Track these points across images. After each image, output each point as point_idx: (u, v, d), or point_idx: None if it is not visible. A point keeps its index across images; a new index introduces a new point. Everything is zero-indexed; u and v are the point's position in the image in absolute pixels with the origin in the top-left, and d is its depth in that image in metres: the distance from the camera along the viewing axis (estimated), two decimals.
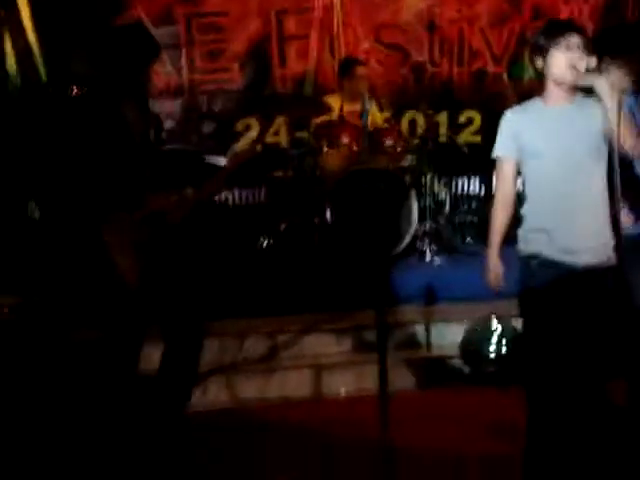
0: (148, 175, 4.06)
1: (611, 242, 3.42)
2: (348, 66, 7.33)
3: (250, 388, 5.28)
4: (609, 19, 8.33)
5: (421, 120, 8.03)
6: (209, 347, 5.36)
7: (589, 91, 3.33)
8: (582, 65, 3.27)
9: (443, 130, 7.95)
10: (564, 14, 8.33)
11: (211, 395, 5.17)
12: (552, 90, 3.46)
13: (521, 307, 3.56)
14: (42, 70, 7.50)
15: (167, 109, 7.85)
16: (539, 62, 3.46)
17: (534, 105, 3.56)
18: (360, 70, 7.26)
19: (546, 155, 3.42)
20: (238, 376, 5.30)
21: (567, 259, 3.40)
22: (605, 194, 3.42)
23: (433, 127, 7.58)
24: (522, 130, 3.49)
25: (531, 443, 3.53)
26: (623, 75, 4.01)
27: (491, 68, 8.39)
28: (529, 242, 3.48)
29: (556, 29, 3.43)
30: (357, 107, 7.17)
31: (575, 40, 3.35)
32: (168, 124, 7.78)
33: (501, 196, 3.61)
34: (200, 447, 4.35)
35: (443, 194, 7.61)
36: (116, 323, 3.94)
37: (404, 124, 8.08)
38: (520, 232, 3.55)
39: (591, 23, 8.38)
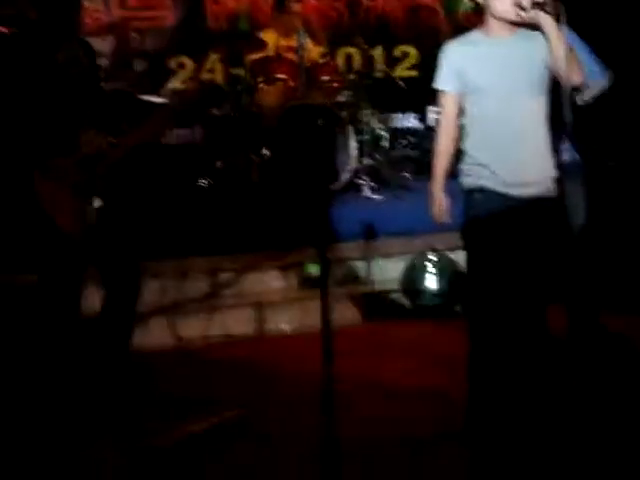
0: (83, 116, 3.97)
1: (552, 174, 3.45)
2: (282, 1, 7.23)
3: (192, 327, 5.27)
4: None
5: (357, 55, 7.97)
6: (150, 288, 5.34)
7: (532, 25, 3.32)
8: (525, 2, 3.25)
9: (379, 65, 7.91)
10: None
11: (153, 335, 5.15)
12: (494, 23, 3.44)
13: (465, 240, 3.59)
14: None
15: (98, 46, 7.65)
16: None
17: (475, 37, 3.54)
18: (294, 5, 7.16)
19: (487, 89, 3.42)
20: (180, 316, 5.28)
21: (509, 191, 3.43)
22: (546, 127, 3.45)
23: (369, 62, 7.54)
24: (463, 64, 3.47)
25: (473, 374, 3.59)
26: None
27: (425, 2, 8.33)
28: (472, 176, 3.50)
29: None
30: (293, 42, 7.10)
31: None
32: (99, 62, 7.59)
33: (444, 129, 3.60)
34: (144, 387, 4.34)
35: (380, 129, 7.60)
36: (55, 267, 3.89)
37: (340, 59, 8.02)
38: (463, 166, 3.57)
39: None
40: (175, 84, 7.84)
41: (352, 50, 8.08)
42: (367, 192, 6.77)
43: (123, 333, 4.13)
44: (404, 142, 7.85)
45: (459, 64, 3.49)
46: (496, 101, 3.40)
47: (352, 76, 7.32)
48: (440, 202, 3.61)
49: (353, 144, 6.67)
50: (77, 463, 3.56)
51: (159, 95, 7.31)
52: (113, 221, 4.02)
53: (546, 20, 3.22)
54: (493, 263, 3.46)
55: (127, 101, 6.73)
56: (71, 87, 3.95)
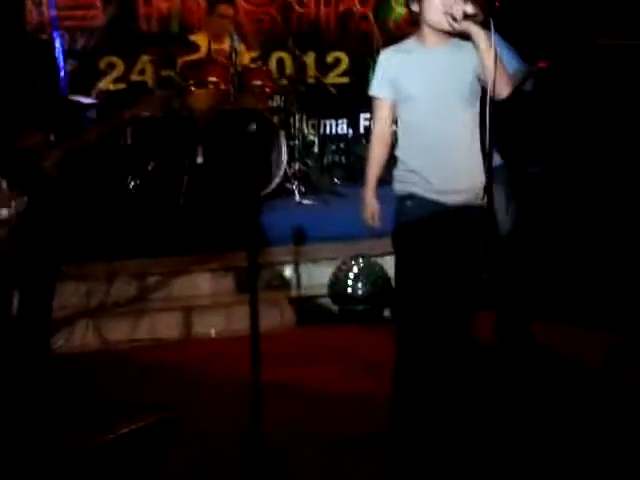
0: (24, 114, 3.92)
1: (481, 182, 3.52)
2: (213, 3, 7.23)
3: (119, 331, 5.22)
4: None
5: (289, 60, 8.00)
6: (76, 290, 5.30)
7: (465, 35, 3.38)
8: (458, 11, 3.30)
9: (311, 71, 7.95)
10: None
11: (79, 338, 5.10)
12: (428, 33, 3.48)
13: (395, 245, 3.63)
14: None
15: None
16: (414, 6, 3.47)
17: (409, 46, 3.57)
18: (225, 8, 7.16)
19: (418, 97, 3.47)
20: (107, 319, 5.23)
21: (439, 198, 3.49)
22: (476, 135, 3.51)
23: (301, 68, 7.57)
24: (397, 71, 3.51)
25: (398, 379, 3.64)
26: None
27: (357, 9, 8.39)
28: (404, 182, 3.55)
29: None
30: (224, 46, 7.09)
31: None
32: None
33: (377, 135, 3.64)
34: (66, 390, 4.29)
35: (311, 135, 7.65)
36: None
37: (272, 64, 8.04)
38: (395, 172, 3.61)
39: None
40: (105, 84, 7.79)
41: (284, 55, 8.11)
42: (297, 197, 6.79)
43: (39, 334, 4.08)
44: (334, 148, 7.90)
45: (393, 72, 3.53)
46: (427, 109, 3.45)
47: (284, 81, 7.34)
48: (372, 207, 3.65)
49: (284, 149, 6.69)
50: None
51: (89, 95, 7.26)
52: (35, 220, 3.97)
53: (476, 31, 3.28)
54: (421, 269, 3.51)
55: (55, 100, 6.64)
56: (16, 85, 3.90)
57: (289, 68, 7.99)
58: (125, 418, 3.86)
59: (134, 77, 7.95)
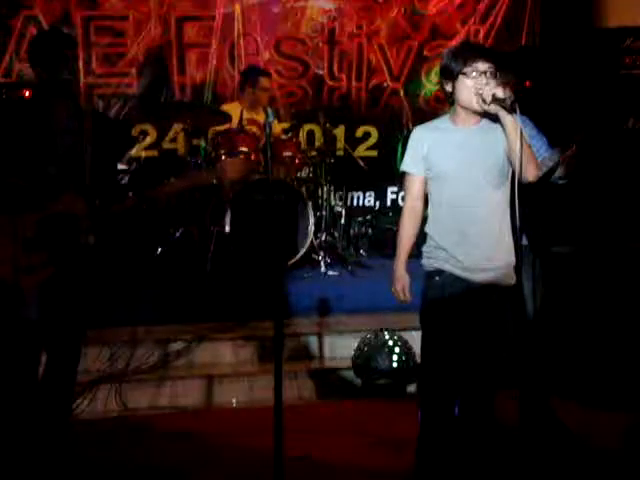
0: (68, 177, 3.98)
1: (511, 261, 3.51)
2: (253, 75, 7.35)
3: (141, 397, 5.21)
4: (504, 42, 8.56)
5: (319, 133, 8.09)
6: (100, 355, 5.31)
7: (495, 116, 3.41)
8: (488, 93, 3.34)
9: (340, 144, 8.03)
10: (461, 34, 8.53)
11: (100, 404, 5.09)
12: (460, 112, 3.52)
13: (422, 321, 3.61)
14: None
15: None
16: (448, 86, 3.51)
17: (442, 124, 3.61)
18: (264, 81, 7.29)
19: (450, 174, 3.49)
20: (129, 385, 5.21)
21: (468, 276, 3.49)
22: (507, 215, 3.51)
23: (330, 140, 7.64)
24: (429, 149, 3.55)
25: (422, 456, 3.59)
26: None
27: (388, 84, 8.50)
28: (433, 258, 3.56)
29: (466, 54, 3.46)
30: (256, 116, 7.18)
31: (483, 66, 3.41)
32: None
33: (408, 210, 3.66)
34: (87, 455, 4.28)
35: (339, 207, 7.69)
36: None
37: (302, 136, 8.12)
38: (425, 248, 3.63)
39: (486, 44, 8.59)
40: (137, 151, 7.89)
41: (315, 128, 8.20)
42: (323, 268, 6.80)
43: (63, 398, 4.09)
44: (361, 220, 7.93)
45: (425, 148, 3.56)
46: (459, 187, 3.47)
47: (314, 153, 7.41)
48: (403, 281, 3.64)
49: (311, 220, 6.72)
50: None
51: (122, 162, 7.35)
52: (66, 285, 4.00)
53: (503, 115, 3.32)
54: (447, 346, 3.50)
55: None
56: (64, 146, 3.97)
57: (319, 140, 8.07)
58: None
59: (166, 145, 8.05)
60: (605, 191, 6.19)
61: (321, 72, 8.44)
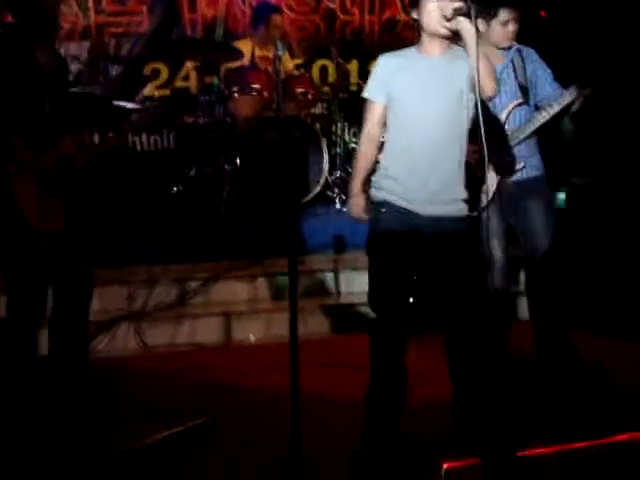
0: (57, 117, 3.99)
1: (463, 195, 3.47)
2: (264, 12, 7.27)
3: (159, 335, 5.26)
4: None
5: (332, 68, 8.01)
6: (118, 294, 5.36)
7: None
8: (446, 11, 3.27)
9: (354, 79, 7.96)
10: None
11: (119, 342, 5.15)
12: (425, 40, 3.45)
13: (368, 252, 3.58)
14: None
15: (73, 51, 7.66)
16: (414, 14, 3.46)
17: (408, 54, 3.54)
18: (276, 18, 7.20)
19: (408, 104, 3.43)
20: (148, 323, 5.27)
21: (414, 208, 3.43)
22: (463, 149, 3.46)
23: (344, 76, 7.58)
24: (392, 77, 3.49)
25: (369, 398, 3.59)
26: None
27: (402, 17, 8.38)
28: (380, 189, 3.50)
29: None
30: (268, 53, 7.12)
31: None
32: (74, 67, 7.59)
33: (365, 136, 3.58)
34: (106, 393, 4.34)
35: (353, 143, 7.64)
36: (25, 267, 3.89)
37: (315, 72, 8.05)
38: (374, 178, 3.57)
39: None
40: (150, 90, 7.86)
41: (327, 63, 8.13)
42: (338, 205, 6.79)
43: (77, 336, 4.13)
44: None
45: (386, 74, 3.51)
46: (416, 116, 3.42)
47: (327, 89, 7.35)
48: (358, 199, 3.59)
49: (325, 157, 6.70)
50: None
51: (133, 101, 7.32)
52: (73, 224, 4.02)
53: (467, 27, 3.25)
54: (395, 283, 3.48)
55: (100, 105, 6.73)
56: (48, 87, 3.97)
57: (332, 76, 8.00)
58: (164, 422, 3.88)
59: (178, 83, 8.01)
60: (623, 125, 6.13)
61: (333, 6, 8.34)
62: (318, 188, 6.72)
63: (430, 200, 3.42)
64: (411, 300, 3.73)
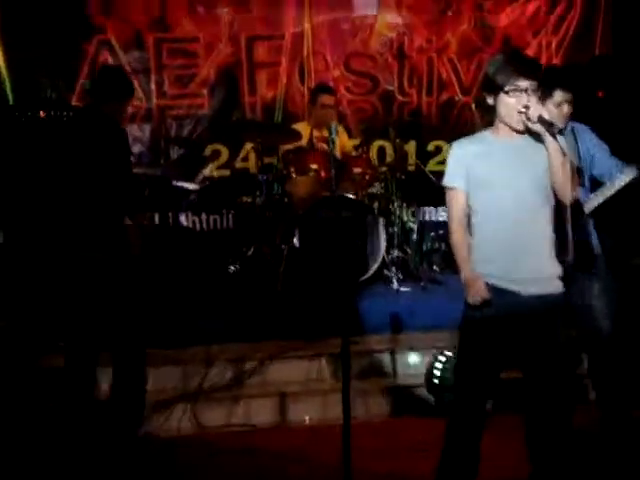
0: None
1: (558, 272, 3.45)
2: (314, 93, 7.38)
3: (215, 416, 5.23)
4: (577, 53, 8.44)
5: (390, 148, 8.07)
6: (174, 374, 5.36)
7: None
8: (534, 112, 3.29)
9: (411, 159, 7.99)
10: (533, 46, 8.44)
11: (175, 422, 5.12)
12: (502, 127, 3.48)
13: (465, 335, 3.56)
14: (10, 94, 7.49)
15: (135, 133, 7.84)
16: (490, 99, 3.46)
17: (483, 137, 3.57)
18: (326, 98, 7.28)
19: (494, 186, 3.44)
20: (203, 404, 5.24)
21: (515, 288, 3.43)
22: (551, 228, 3.46)
23: (402, 156, 7.60)
24: (471, 161, 3.50)
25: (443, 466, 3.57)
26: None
27: (460, 98, 8.44)
28: (477, 271, 3.50)
29: (508, 69, 3.39)
30: (326, 134, 7.19)
31: (525, 84, 3.35)
32: (136, 148, 7.76)
33: (457, 221, 3.58)
34: (161, 473, 4.31)
35: (411, 222, 7.64)
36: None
37: (373, 152, 8.11)
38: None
39: (559, 56, 8.50)
40: (210, 171, 7.97)
41: (385, 143, 8.19)
42: (395, 284, 6.76)
43: (130, 417, 4.15)
44: (433, 235, 7.86)
45: (467, 160, 3.51)
46: (500, 198, 3.42)
47: (384, 169, 7.38)
48: (477, 281, 3.50)
49: (383, 236, 6.70)
50: None
51: (194, 182, 7.43)
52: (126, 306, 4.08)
53: (549, 141, 3.28)
54: (489, 364, 3.48)
55: (161, 187, 6.85)
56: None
57: (390, 156, 8.05)
58: None
59: (238, 164, 8.13)
60: None
61: (391, 87, 8.44)
62: (375, 267, 6.69)
63: (528, 279, 3.42)
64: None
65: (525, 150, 3.44)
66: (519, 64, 3.42)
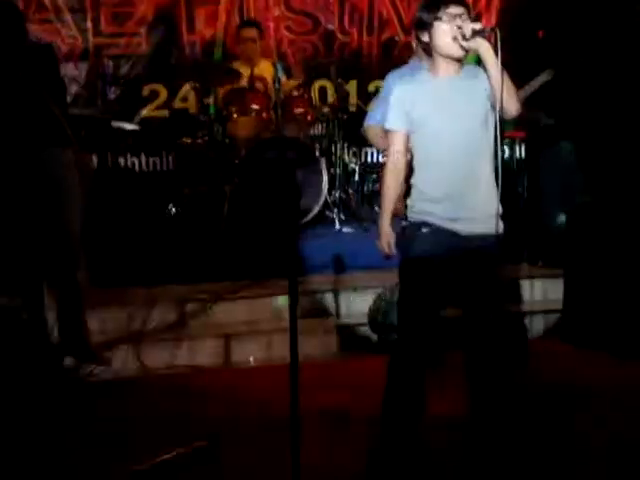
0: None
1: (499, 211, 3.49)
2: (238, 29, 7.36)
3: (158, 357, 5.23)
4: None
5: (331, 89, 8.03)
6: (117, 315, 5.34)
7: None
8: (467, 28, 3.30)
9: (353, 99, 7.97)
10: None
11: (118, 364, 5.11)
12: (440, 62, 3.49)
13: (404, 273, 3.59)
14: None
15: (72, 72, 7.68)
16: (425, 37, 3.48)
17: (422, 76, 3.59)
18: (246, 31, 7.25)
19: (434, 126, 3.46)
20: (146, 345, 5.24)
21: (455, 227, 3.47)
22: (491, 163, 3.49)
23: (343, 96, 7.58)
24: (412, 102, 3.51)
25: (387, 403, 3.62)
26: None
27: (400, 38, 8.40)
28: (418, 211, 3.53)
29: (434, 1, 3.42)
30: (265, 73, 7.12)
31: (456, 10, 3.37)
32: (73, 88, 7.61)
33: (391, 168, 3.61)
34: (105, 415, 4.31)
35: (352, 163, 7.65)
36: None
37: (314, 92, 8.06)
38: (409, 201, 3.59)
39: None
40: (148, 112, 7.87)
41: (326, 84, 8.14)
42: (337, 225, 6.78)
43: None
44: (375, 176, 7.88)
45: (405, 101, 3.52)
46: (442, 136, 3.44)
47: (326, 109, 7.35)
48: (388, 236, 3.63)
49: (325, 177, 6.70)
50: None
51: (132, 122, 7.33)
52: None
53: (486, 47, 3.29)
54: (430, 301, 3.51)
55: (99, 127, 6.76)
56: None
57: (331, 96, 8.02)
58: (161, 446, 3.84)
59: (177, 104, 8.02)
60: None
61: (331, 27, 8.37)
62: (317, 208, 6.71)
63: (469, 219, 3.46)
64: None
65: (463, 87, 3.45)
66: None
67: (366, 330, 5.47)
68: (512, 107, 3.34)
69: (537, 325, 5.79)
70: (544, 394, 4.49)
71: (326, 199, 6.78)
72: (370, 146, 8.15)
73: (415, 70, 4.04)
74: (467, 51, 3.39)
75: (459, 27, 3.32)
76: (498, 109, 3.28)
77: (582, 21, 6.44)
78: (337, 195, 7.04)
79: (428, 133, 3.49)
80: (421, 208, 3.52)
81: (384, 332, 5.39)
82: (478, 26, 3.30)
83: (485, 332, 3.50)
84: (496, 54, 3.26)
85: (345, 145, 7.43)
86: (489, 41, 3.28)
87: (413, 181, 3.58)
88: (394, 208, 3.65)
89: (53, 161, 4.53)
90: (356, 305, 5.73)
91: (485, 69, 3.34)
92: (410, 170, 3.60)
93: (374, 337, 5.44)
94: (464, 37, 3.32)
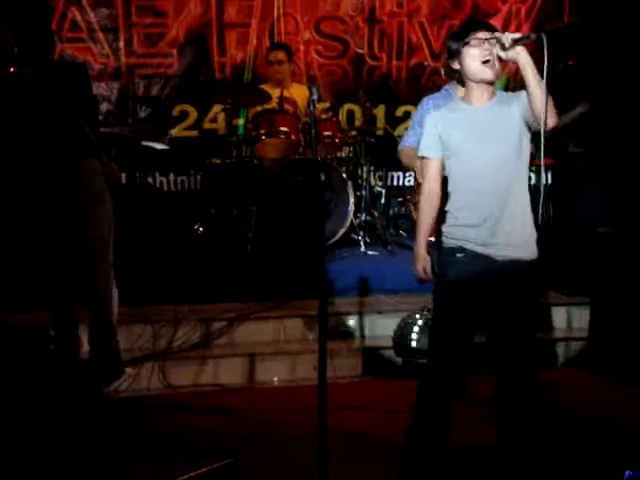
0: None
1: (534, 236, 3.51)
2: (267, 52, 7.42)
3: (183, 375, 5.26)
4: (545, 19, 8.48)
5: (359, 112, 8.08)
6: (143, 333, 5.37)
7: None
8: (505, 41, 3.30)
9: (380, 124, 8.01)
10: (502, 12, 8.47)
11: (143, 381, 5.14)
12: (473, 90, 3.52)
13: (439, 298, 3.60)
14: None
15: (103, 92, 7.77)
16: (455, 65, 3.52)
17: (457, 105, 3.63)
18: (274, 54, 7.29)
19: (470, 153, 3.49)
20: (171, 363, 5.27)
21: (491, 253, 3.47)
22: (527, 189, 3.52)
23: (371, 120, 7.62)
24: (447, 131, 3.54)
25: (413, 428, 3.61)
26: None
27: (429, 63, 8.44)
28: (453, 236, 3.55)
29: (465, 28, 3.50)
30: (295, 96, 7.17)
31: (485, 35, 3.41)
32: (104, 107, 7.71)
33: (426, 195, 3.64)
34: (130, 433, 4.34)
35: (379, 187, 7.68)
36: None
37: (342, 116, 8.12)
38: (444, 227, 3.61)
39: (528, 22, 8.54)
40: (178, 132, 7.96)
41: (355, 107, 8.20)
42: (362, 247, 6.81)
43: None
44: (401, 199, 7.91)
45: (440, 129, 3.55)
46: (477, 163, 3.46)
47: (353, 133, 7.39)
48: (424, 261, 3.61)
49: (351, 200, 6.73)
50: None
51: (161, 142, 7.41)
52: None
53: (525, 56, 3.29)
54: (463, 328, 3.51)
55: (128, 146, 6.83)
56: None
57: (359, 120, 8.06)
58: (186, 463, 3.86)
59: (206, 125, 8.10)
60: None
61: (361, 51, 8.43)
62: (343, 231, 6.74)
63: (504, 244, 3.47)
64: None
65: (497, 114, 3.48)
66: (473, 21, 3.59)
67: (390, 354, 5.48)
68: (551, 119, 3.34)
69: (561, 352, 5.78)
70: (572, 425, 4.49)
71: (352, 222, 6.81)
72: (396, 170, 8.20)
73: (448, 97, 4.07)
74: (497, 75, 3.43)
75: (497, 39, 3.34)
76: (542, 120, 3.23)
77: (613, 51, 6.48)
78: (363, 218, 7.07)
79: (463, 160, 3.52)
80: (456, 234, 3.54)
81: (409, 356, 5.39)
82: (517, 35, 3.31)
83: (516, 358, 3.50)
84: (542, 60, 3.22)
85: (371, 168, 7.47)
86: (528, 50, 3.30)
87: (448, 207, 3.61)
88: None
89: (82, 170, 4.64)
90: (380, 328, 5.73)
91: (524, 83, 3.35)
92: (444, 196, 3.63)
93: (398, 361, 5.44)
94: (503, 47, 3.33)
